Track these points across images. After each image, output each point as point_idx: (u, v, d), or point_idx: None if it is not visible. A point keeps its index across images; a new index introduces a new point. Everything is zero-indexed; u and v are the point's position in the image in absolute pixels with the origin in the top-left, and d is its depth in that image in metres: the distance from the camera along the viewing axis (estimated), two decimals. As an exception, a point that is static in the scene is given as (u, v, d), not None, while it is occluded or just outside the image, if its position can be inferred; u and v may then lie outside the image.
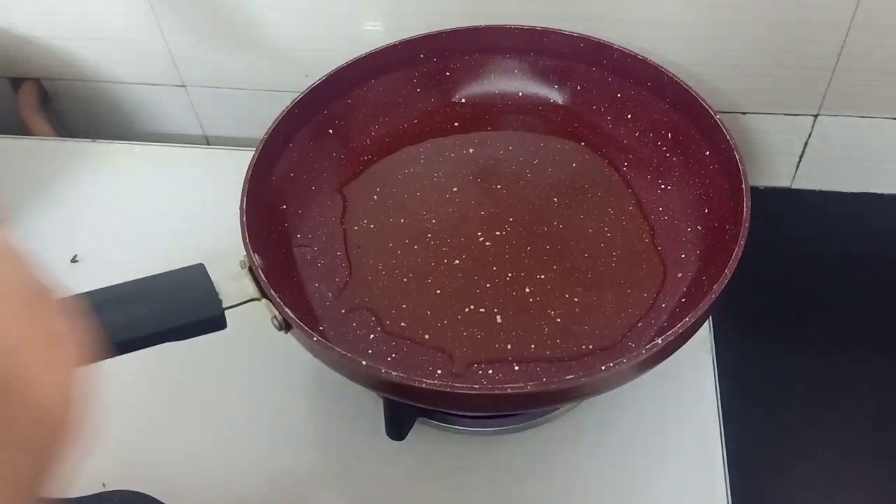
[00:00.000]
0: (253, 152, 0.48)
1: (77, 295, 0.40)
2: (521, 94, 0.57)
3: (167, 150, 0.69)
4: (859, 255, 0.64)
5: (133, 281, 0.40)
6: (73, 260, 0.59)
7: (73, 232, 0.62)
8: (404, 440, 0.48)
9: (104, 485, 0.48)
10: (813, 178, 0.65)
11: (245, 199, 0.46)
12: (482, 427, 0.49)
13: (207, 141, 0.74)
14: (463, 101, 0.57)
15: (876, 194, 0.65)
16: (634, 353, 0.38)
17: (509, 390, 0.38)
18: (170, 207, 0.63)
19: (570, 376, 0.38)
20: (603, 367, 0.38)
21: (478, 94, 0.57)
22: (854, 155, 0.63)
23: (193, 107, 0.71)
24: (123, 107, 0.72)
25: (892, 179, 0.64)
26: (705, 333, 0.52)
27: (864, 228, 0.65)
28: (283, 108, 0.51)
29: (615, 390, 0.41)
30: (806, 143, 0.63)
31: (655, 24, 0.57)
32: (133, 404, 0.52)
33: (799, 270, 0.62)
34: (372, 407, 0.49)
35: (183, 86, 0.69)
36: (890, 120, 0.61)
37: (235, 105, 0.70)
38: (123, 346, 0.39)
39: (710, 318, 0.52)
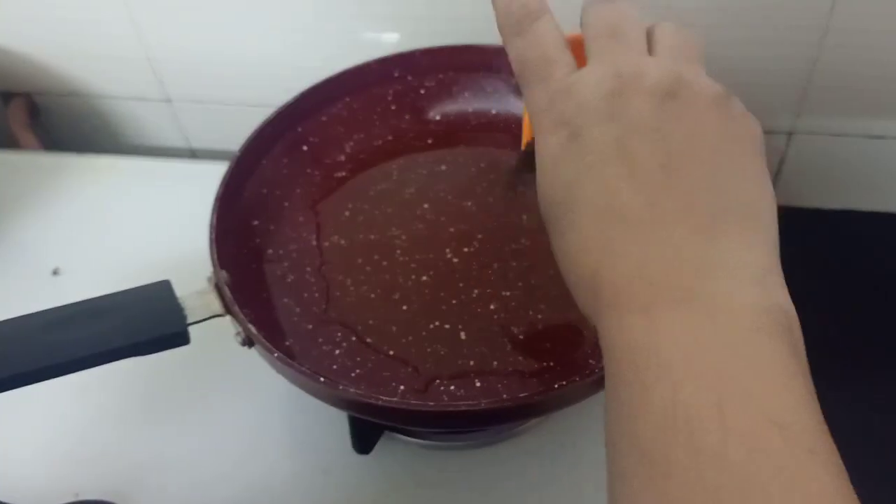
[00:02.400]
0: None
1: (45, 310, 0.41)
2: (494, 111, 0.58)
3: (151, 163, 0.70)
4: (835, 271, 0.64)
5: (97, 297, 0.41)
6: (55, 272, 0.60)
7: (55, 244, 0.63)
8: (371, 454, 0.49)
9: (77, 495, 0.49)
10: (789, 196, 0.66)
11: (215, 215, 0.47)
12: (450, 441, 0.50)
13: (193, 154, 0.75)
14: (437, 118, 0.58)
15: (854, 212, 0.65)
16: (587, 372, 0.39)
17: (463, 407, 0.38)
18: (154, 221, 0.64)
19: (524, 394, 0.39)
20: (556, 385, 0.39)
21: (451, 112, 0.58)
22: (829, 173, 0.64)
23: (179, 121, 0.72)
24: (110, 121, 0.74)
25: (867, 197, 0.65)
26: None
27: (840, 245, 0.65)
28: (257, 124, 0.52)
29: (584, 402, 0.41)
30: (781, 162, 0.64)
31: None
32: (105, 416, 0.53)
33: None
34: (339, 421, 0.50)
35: (168, 100, 0.71)
36: (865, 137, 0.61)
37: (220, 119, 0.71)
38: (90, 360, 0.40)
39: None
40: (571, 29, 0.34)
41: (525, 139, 0.43)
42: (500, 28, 0.33)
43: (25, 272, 0.61)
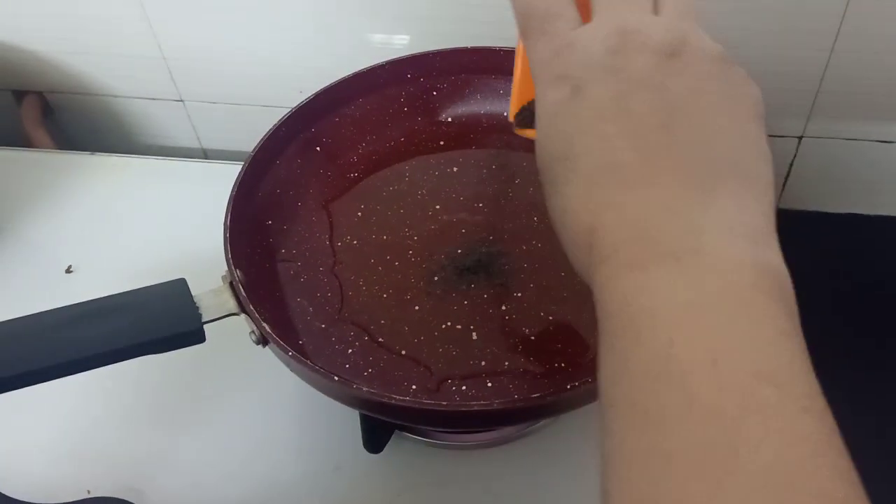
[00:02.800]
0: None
1: (60, 308, 0.41)
2: (505, 113, 0.58)
3: (165, 163, 0.70)
4: (844, 274, 0.64)
5: (114, 295, 0.42)
6: (68, 270, 0.61)
7: (68, 243, 0.63)
8: (382, 453, 0.49)
9: (89, 491, 0.49)
10: (799, 200, 0.66)
11: (230, 214, 0.47)
12: (460, 441, 0.50)
13: (205, 154, 0.76)
14: (449, 120, 0.59)
15: (862, 215, 0.66)
16: (600, 373, 0.39)
17: (476, 407, 0.39)
18: (166, 220, 0.65)
19: (536, 394, 0.39)
20: (569, 386, 0.39)
21: (463, 114, 0.58)
22: (838, 176, 0.64)
23: (191, 121, 0.73)
24: (123, 120, 0.74)
25: (876, 201, 0.65)
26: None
27: (849, 249, 0.66)
28: (271, 124, 0.53)
29: (593, 405, 0.42)
30: (791, 165, 0.64)
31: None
32: (118, 414, 0.53)
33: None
34: (351, 420, 0.50)
35: (181, 100, 0.71)
36: (874, 142, 0.61)
37: (232, 119, 0.72)
38: (105, 357, 0.40)
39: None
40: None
41: (514, 96, 0.42)
42: None
43: (39, 270, 0.61)
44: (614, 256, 0.27)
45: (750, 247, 0.26)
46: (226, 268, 0.45)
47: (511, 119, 0.42)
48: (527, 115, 0.42)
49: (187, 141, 0.74)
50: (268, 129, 0.53)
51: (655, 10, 0.32)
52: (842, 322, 0.62)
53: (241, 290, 0.43)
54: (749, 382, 0.22)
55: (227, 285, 0.44)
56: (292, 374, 0.43)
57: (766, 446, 0.21)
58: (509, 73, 0.57)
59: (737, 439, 0.22)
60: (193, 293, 0.43)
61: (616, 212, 0.27)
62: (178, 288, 0.43)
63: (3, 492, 0.49)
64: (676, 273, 0.25)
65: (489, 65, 0.57)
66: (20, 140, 0.74)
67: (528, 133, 0.42)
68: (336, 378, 0.40)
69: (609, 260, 0.27)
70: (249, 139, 0.52)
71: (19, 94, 0.74)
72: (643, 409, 0.24)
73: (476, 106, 0.58)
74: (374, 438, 0.48)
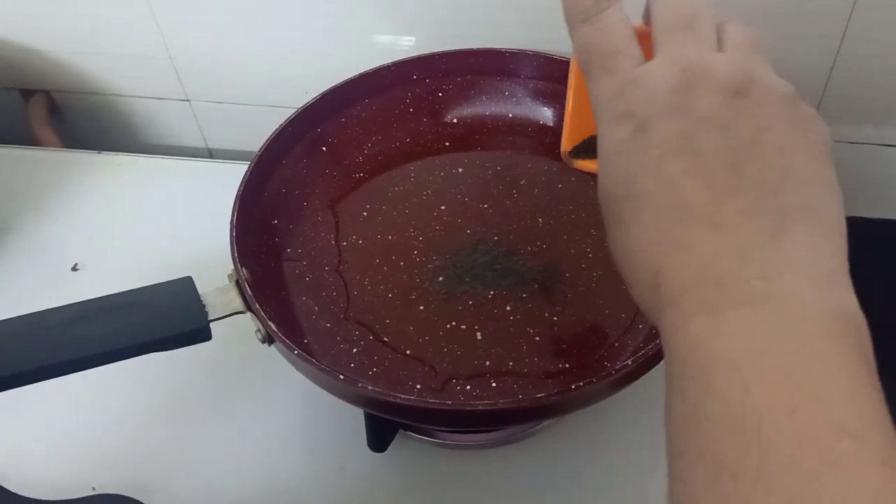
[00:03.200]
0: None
1: (67, 305, 0.41)
2: (511, 115, 0.58)
3: (170, 162, 0.71)
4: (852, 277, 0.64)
5: (121, 292, 0.42)
6: (74, 268, 0.61)
7: (75, 241, 0.63)
8: (386, 452, 0.49)
9: (94, 489, 0.49)
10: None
11: (236, 213, 0.48)
12: (464, 441, 0.50)
13: (211, 154, 0.76)
14: (454, 121, 0.59)
15: (865, 219, 0.66)
16: (604, 374, 0.39)
17: (481, 407, 0.39)
18: (171, 219, 0.65)
19: (540, 394, 0.39)
20: (573, 386, 0.39)
21: (469, 115, 0.59)
22: (843, 179, 0.64)
23: (197, 120, 0.73)
24: (130, 119, 0.74)
25: (881, 204, 0.65)
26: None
27: (853, 252, 0.66)
28: (278, 124, 0.53)
29: (600, 404, 0.42)
30: (795, 168, 0.64)
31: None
32: (124, 411, 0.53)
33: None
34: (355, 419, 0.50)
35: (187, 100, 0.71)
36: (878, 146, 0.61)
37: (238, 119, 0.72)
38: (111, 355, 0.40)
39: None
40: (636, 22, 0.33)
41: (567, 131, 0.41)
42: (567, 13, 0.33)
43: (45, 268, 0.62)
44: (683, 298, 0.26)
45: (825, 291, 0.25)
46: (231, 266, 0.45)
47: (565, 150, 0.41)
48: (582, 149, 0.41)
49: (193, 140, 0.75)
50: (274, 130, 0.53)
51: (720, 45, 0.31)
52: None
53: (248, 288, 0.43)
54: (828, 434, 0.22)
55: (234, 284, 0.44)
56: (296, 374, 0.43)
57: (846, 502, 0.21)
58: (515, 74, 0.58)
59: (816, 493, 0.21)
60: (200, 291, 0.43)
61: (684, 254, 0.27)
62: (185, 286, 0.43)
63: (9, 488, 0.49)
64: (750, 318, 0.25)
65: (495, 66, 0.58)
66: (27, 139, 0.74)
67: (583, 166, 0.41)
68: (342, 377, 0.40)
69: (677, 302, 0.26)
70: (255, 139, 0.53)
71: (26, 94, 0.74)
72: (718, 459, 0.23)
73: (481, 107, 0.59)
74: (379, 438, 0.48)
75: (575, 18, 0.32)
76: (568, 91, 0.39)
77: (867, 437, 0.22)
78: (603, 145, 0.31)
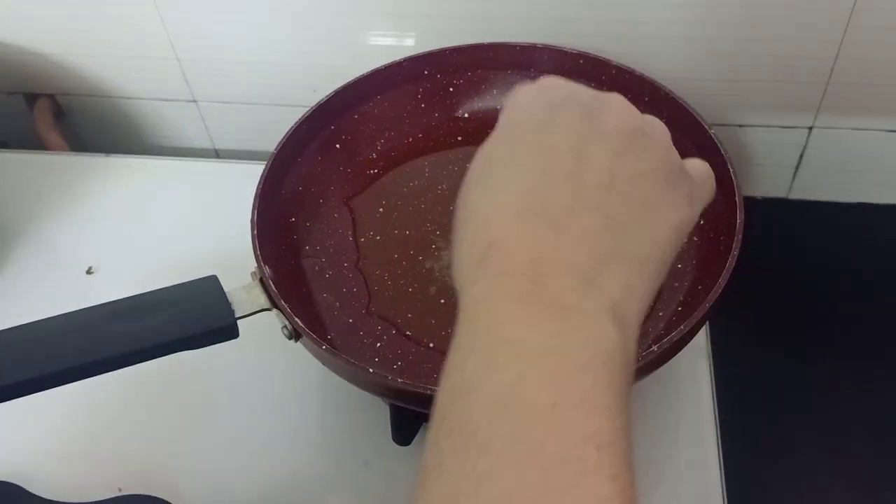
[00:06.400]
0: (263, 166, 0.50)
1: (93, 306, 0.42)
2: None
3: (179, 163, 0.71)
4: (855, 264, 0.65)
5: (148, 292, 0.42)
6: (89, 271, 0.61)
7: (88, 244, 0.63)
8: (411, 445, 0.50)
9: (120, 489, 0.49)
10: (809, 189, 0.67)
11: (255, 212, 0.48)
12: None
13: (218, 154, 0.76)
14: (466, 115, 0.59)
15: (871, 204, 0.66)
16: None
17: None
18: (182, 220, 0.65)
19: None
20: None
21: (480, 110, 0.59)
22: (849, 166, 0.65)
23: (204, 121, 0.73)
24: (136, 122, 0.74)
25: (886, 190, 0.66)
26: (702, 341, 0.53)
27: (860, 238, 0.66)
28: (292, 123, 0.53)
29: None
30: (801, 155, 0.65)
31: (652, 40, 0.58)
32: (149, 411, 0.53)
33: (795, 278, 0.64)
34: (379, 413, 0.50)
35: (194, 101, 0.71)
36: (883, 132, 0.62)
37: (245, 119, 0.72)
38: (140, 354, 0.41)
39: (708, 326, 0.53)
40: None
41: None
42: None
43: (60, 272, 0.62)
44: (503, 279, 0.27)
45: (620, 330, 0.26)
46: (248, 265, 0.45)
47: None
48: None
49: (200, 141, 0.75)
50: (287, 128, 0.53)
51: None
52: (851, 310, 0.63)
53: (272, 285, 0.44)
54: (579, 436, 0.23)
55: (258, 281, 0.44)
56: (317, 371, 0.43)
57: (566, 501, 0.22)
58: (525, 67, 0.58)
59: (547, 486, 0.22)
60: (225, 289, 0.43)
61: (527, 241, 0.28)
62: (211, 284, 0.43)
63: (34, 492, 0.49)
64: (554, 321, 0.26)
65: (505, 60, 0.58)
66: (33, 143, 0.74)
67: None
68: (371, 371, 0.40)
69: (496, 279, 0.27)
70: (262, 139, 0.53)
71: (31, 98, 0.74)
72: (473, 431, 0.24)
73: (493, 101, 0.59)
74: (403, 431, 0.48)
75: None
76: None
77: (610, 450, 0.24)
78: (515, 101, 0.34)
